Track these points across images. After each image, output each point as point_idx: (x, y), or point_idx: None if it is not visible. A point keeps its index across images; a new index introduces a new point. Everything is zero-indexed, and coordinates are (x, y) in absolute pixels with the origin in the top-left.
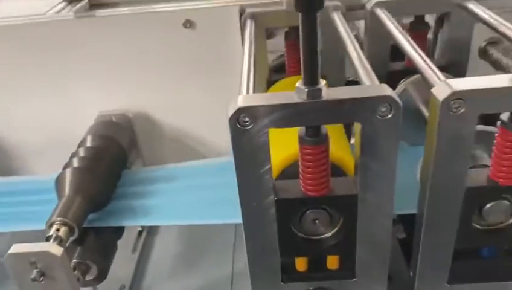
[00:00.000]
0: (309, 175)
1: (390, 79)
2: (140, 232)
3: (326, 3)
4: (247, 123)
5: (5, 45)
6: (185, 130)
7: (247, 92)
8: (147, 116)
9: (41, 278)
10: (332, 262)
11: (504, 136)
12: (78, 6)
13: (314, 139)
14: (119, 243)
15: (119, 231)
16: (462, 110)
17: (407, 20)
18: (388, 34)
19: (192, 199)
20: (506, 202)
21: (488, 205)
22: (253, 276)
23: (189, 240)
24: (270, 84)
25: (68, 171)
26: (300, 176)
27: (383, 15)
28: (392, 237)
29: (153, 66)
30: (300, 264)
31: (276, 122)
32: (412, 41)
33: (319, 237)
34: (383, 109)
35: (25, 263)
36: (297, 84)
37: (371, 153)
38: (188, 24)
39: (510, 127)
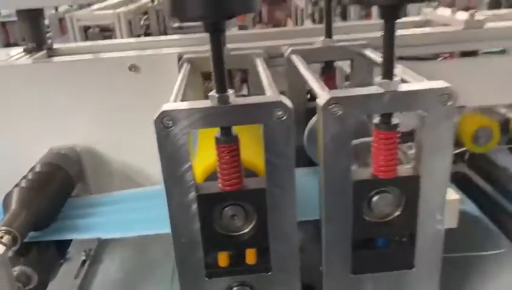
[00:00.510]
0: (224, 171)
1: (308, 116)
2: (83, 261)
3: (250, 51)
4: (169, 124)
5: None
6: (128, 163)
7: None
8: (94, 151)
9: None
10: (250, 257)
11: (377, 135)
12: (37, 55)
13: (227, 139)
14: (63, 270)
15: (63, 250)
16: (340, 113)
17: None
18: (303, 77)
19: (130, 217)
20: (389, 195)
21: (374, 198)
22: (181, 272)
23: (130, 269)
24: None
25: (16, 189)
26: (218, 175)
27: (298, 61)
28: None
29: (101, 105)
30: (223, 260)
31: (193, 124)
32: (320, 81)
33: (237, 233)
34: (279, 113)
35: None
36: (209, 93)
37: (273, 150)
38: (133, 68)
39: (380, 127)
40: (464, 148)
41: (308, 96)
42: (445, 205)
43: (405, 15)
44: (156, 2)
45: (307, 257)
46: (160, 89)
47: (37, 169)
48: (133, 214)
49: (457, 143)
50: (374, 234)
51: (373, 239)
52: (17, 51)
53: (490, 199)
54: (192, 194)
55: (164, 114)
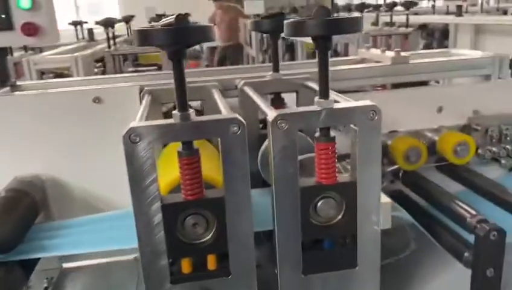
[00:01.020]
0: (187, 182)
1: (260, 142)
2: (46, 288)
3: (207, 83)
4: (136, 139)
5: None
6: (90, 191)
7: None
8: (58, 179)
9: None
10: (211, 263)
11: (318, 147)
12: (1, 90)
13: (188, 152)
14: None
15: (27, 272)
16: (286, 127)
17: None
18: (255, 106)
19: (94, 236)
20: (332, 200)
21: (319, 203)
22: (146, 279)
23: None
24: None
25: None
26: (181, 186)
27: (250, 92)
28: None
29: (65, 135)
30: (186, 266)
31: (158, 140)
32: (269, 105)
33: (199, 241)
34: (234, 128)
35: None
36: (173, 112)
37: (229, 161)
38: (97, 100)
39: (320, 139)
40: (397, 166)
41: (261, 125)
42: (380, 207)
43: (332, 47)
44: (112, 48)
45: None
46: (123, 119)
47: (2, 194)
48: (97, 234)
49: (392, 162)
50: (320, 236)
51: (320, 241)
52: None
53: (422, 210)
54: (157, 205)
55: (131, 130)
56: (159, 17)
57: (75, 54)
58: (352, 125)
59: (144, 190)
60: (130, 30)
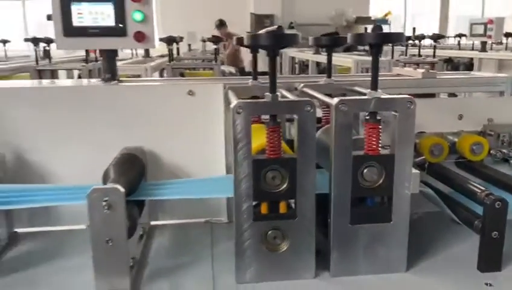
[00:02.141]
0: (270, 144)
1: None
2: (141, 236)
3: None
4: (240, 111)
5: (56, 103)
6: (176, 162)
7: None
8: (154, 152)
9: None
10: (283, 207)
11: (367, 126)
12: (111, 82)
13: (274, 122)
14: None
15: (140, 211)
16: (345, 109)
17: None
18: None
19: (188, 189)
20: (375, 168)
21: (365, 170)
22: (237, 216)
23: (175, 242)
24: None
25: (111, 166)
26: (266, 147)
27: (309, 91)
28: None
29: (162, 118)
30: (264, 208)
31: (254, 112)
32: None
33: (275, 190)
34: (308, 107)
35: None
36: (265, 93)
37: (302, 132)
38: (191, 92)
39: (369, 120)
40: (423, 158)
41: None
42: (411, 176)
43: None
44: (172, 63)
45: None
46: (210, 108)
47: (123, 153)
48: (190, 188)
49: (419, 154)
50: (365, 195)
51: (365, 199)
52: (97, 80)
53: (443, 193)
54: (249, 161)
55: (238, 104)
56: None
57: (145, 65)
58: (393, 112)
59: (241, 148)
60: (179, 49)
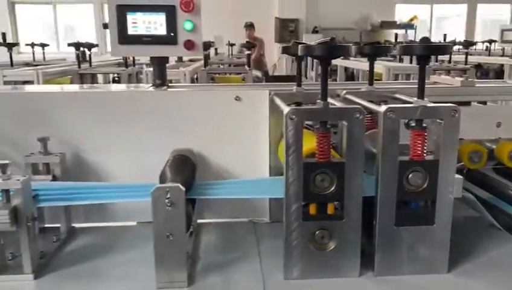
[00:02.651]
0: (320, 148)
1: None
2: (191, 233)
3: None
4: (293, 117)
5: (112, 107)
6: (223, 164)
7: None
8: (202, 154)
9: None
10: (330, 209)
11: (413, 133)
12: (162, 88)
13: (324, 128)
14: None
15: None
16: (393, 116)
17: None
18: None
19: (239, 188)
20: (420, 173)
21: (410, 174)
22: (287, 215)
23: (222, 239)
24: None
25: (167, 167)
26: (316, 151)
27: (352, 98)
28: None
29: (210, 122)
30: (312, 209)
31: (307, 118)
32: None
33: (324, 192)
34: (357, 114)
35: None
36: (317, 100)
37: (351, 137)
38: (238, 98)
39: (415, 127)
40: (462, 164)
41: None
42: (454, 181)
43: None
44: (207, 67)
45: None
46: (255, 113)
47: (174, 155)
48: (240, 188)
49: (458, 160)
50: (409, 198)
51: (409, 203)
52: (148, 85)
53: (483, 199)
54: (300, 164)
55: (291, 111)
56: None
57: (183, 69)
58: (437, 120)
59: (293, 152)
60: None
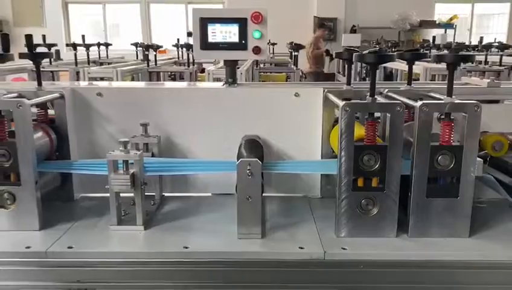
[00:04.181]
0: (369, 134)
1: None
2: None
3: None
4: (347, 109)
5: (194, 100)
6: (282, 149)
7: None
8: (267, 140)
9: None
10: (375, 182)
11: (443, 123)
12: (233, 86)
13: (372, 118)
14: None
15: None
16: (427, 110)
17: None
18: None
19: (300, 166)
20: (447, 156)
21: (439, 157)
22: (340, 187)
23: (282, 207)
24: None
25: (241, 148)
26: (364, 137)
27: (394, 95)
28: None
29: (272, 114)
30: (360, 182)
31: (358, 110)
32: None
33: (370, 169)
34: (398, 108)
35: (245, 167)
36: (367, 96)
37: (393, 126)
38: (297, 94)
39: (445, 119)
40: (485, 151)
41: None
42: (476, 162)
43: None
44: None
45: None
46: (311, 108)
47: (247, 140)
48: (301, 167)
49: (482, 149)
50: (438, 175)
51: (437, 179)
52: (220, 83)
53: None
54: (352, 146)
55: (346, 104)
56: None
57: (239, 69)
58: (462, 113)
59: (346, 137)
60: None
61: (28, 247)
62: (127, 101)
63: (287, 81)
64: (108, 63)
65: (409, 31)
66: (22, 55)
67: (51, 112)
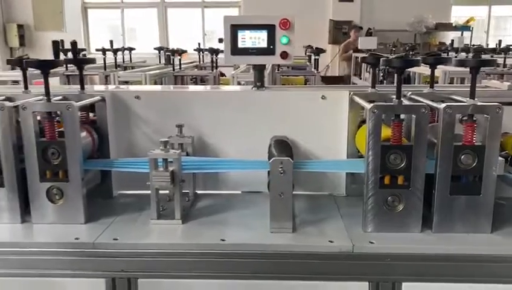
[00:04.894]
0: (394, 134)
1: None
2: None
3: (389, 91)
4: (375, 111)
5: (225, 102)
6: (309, 149)
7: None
8: (294, 140)
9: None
10: (400, 180)
11: (465, 125)
12: (261, 89)
13: (398, 120)
14: None
15: None
16: (450, 112)
17: None
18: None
19: (328, 165)
20: (469, 155)
21: (462, 156)
22: (367, 184)
23: (309, 204)
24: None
25: (272, 146)
26: (391, 137)
27: (417, 97)
28: None
29: (300, 116)
30: (387, 180)
31: (385, 112)
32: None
33: (396, 168)
34: (423, 110)
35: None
36: (393, 99)
37: (418, 127)
38: (323, 97)
39: (467, 121)
40: (506, 152)
41: None
42: (497, 161)
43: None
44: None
45: None
46: (337, 109)
47: (276, 141)
48: (329, 165)
49: (503, 149)
50: (461, 174)
51: (461, 177)
52: (248, 87)
53: None
54: (379, 145)
55: (374, 106)
56: None
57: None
58: (485, 115)
59: (374, 137)
60: None
61: (76, 238)
62: (163, 104)
63: (305, 84)
64: (132, 67)
65: (424, 34)
66: (68, 61)
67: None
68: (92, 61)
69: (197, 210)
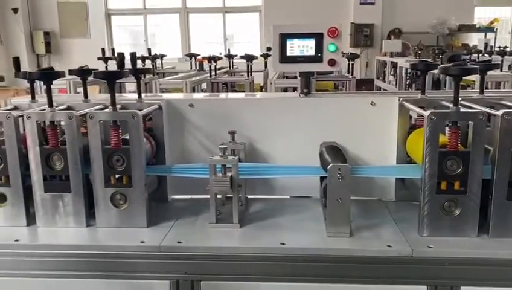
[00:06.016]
0: (452, 141)
1: None
2: None
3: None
4: (433, 118)
5: (275, 109)
6: (358, 154)
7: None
8: (344, 146)
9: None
10: (457, 185)
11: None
12: (307, 96)
13: (455, 126)
14: None
15: None
16: (509, 118)
17: None
18: None
19: (381, 170)
20: None
21: None
22: (423, 190)
23: (360, 209)
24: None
25: (325, 153)
26: (448, 143)
27: (469, 104)
28: None
29: (349, 122)
30: (443, 185)
31: (443, 119)
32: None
33: (452, 174)
34: (481, 117)
35: (336, 171)
36: (450, 105)
37: (476, 133)
38: (373, 103)
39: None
40: None
41: None
42: None
43: None
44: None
45: None
46: (387, 116)
47: (328, 146)
48: (382, 171)
49: None
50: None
51: None
52: (293, 94)
53: None
54: (436, 151)
55: (433, 113)
56: None
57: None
58: None
59: (431, 143)
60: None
61: (142, 241)
62: (215, 111)
63: (337, 88)
64: (163, 74)
65: (447, 36)
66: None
67: None
68: (148, 71)
69: (251, 214)
